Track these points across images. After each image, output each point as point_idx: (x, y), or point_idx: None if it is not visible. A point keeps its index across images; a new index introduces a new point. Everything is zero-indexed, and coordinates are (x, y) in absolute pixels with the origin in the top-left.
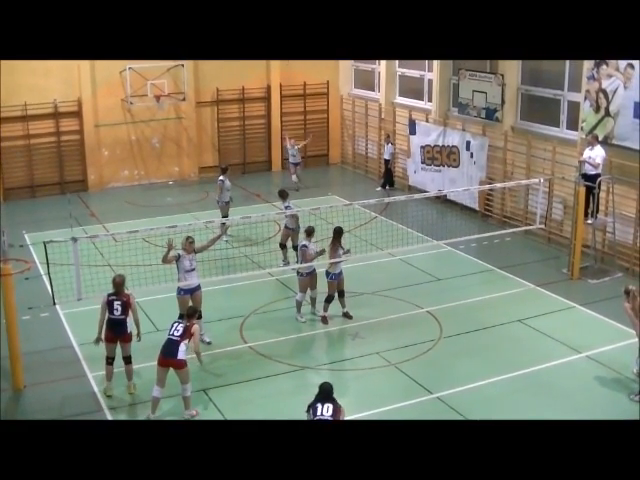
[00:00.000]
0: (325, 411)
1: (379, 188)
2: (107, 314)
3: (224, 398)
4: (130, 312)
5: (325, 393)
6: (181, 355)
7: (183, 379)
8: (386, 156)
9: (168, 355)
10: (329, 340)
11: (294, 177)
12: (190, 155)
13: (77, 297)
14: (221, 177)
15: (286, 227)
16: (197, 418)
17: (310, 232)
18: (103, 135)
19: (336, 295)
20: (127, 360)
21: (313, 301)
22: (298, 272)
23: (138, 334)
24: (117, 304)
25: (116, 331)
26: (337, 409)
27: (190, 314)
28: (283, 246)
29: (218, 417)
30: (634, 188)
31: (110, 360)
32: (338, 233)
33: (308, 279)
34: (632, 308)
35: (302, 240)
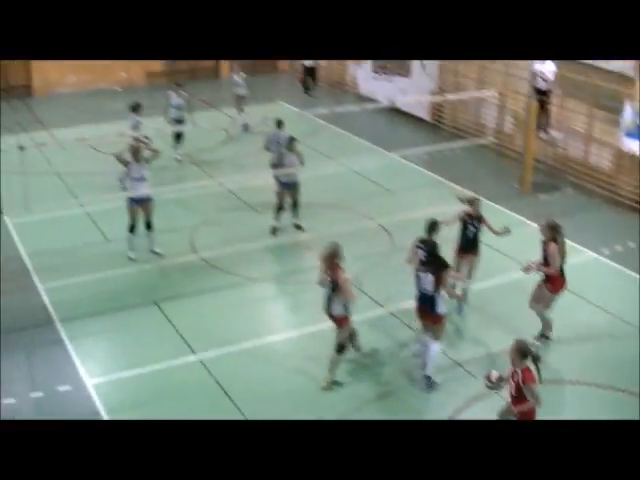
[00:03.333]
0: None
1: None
2: None
3: (176, 311)
4: None
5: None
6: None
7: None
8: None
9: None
10: (280, 252)
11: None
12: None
13: (25, 206)
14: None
15: None
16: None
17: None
18: None
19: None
20: None
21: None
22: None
23: None
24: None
25: None
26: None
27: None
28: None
29: (170, 330)
30: (586, 103)
31: None
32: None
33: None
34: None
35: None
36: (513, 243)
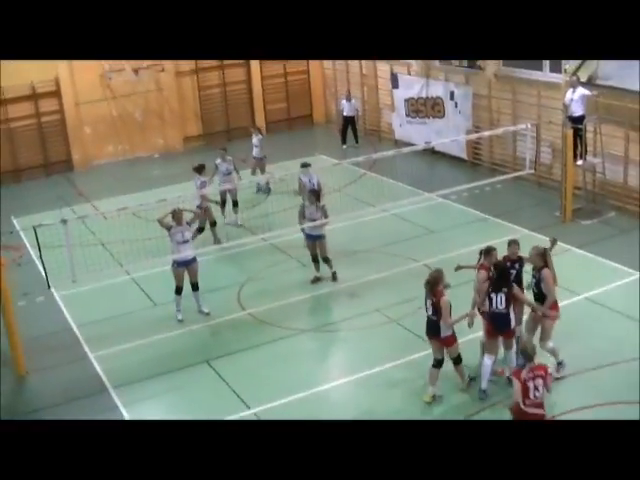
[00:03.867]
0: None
1: (344, 146)
2: None
3: (228, 368)
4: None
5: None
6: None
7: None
8: (345, 112)
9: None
10: (326, 301)
11: (260, 176)
12: (174, 126)
13: (71, 279)
14: (217, 160)
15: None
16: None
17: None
18: (84, 113)
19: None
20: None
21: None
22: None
23: None
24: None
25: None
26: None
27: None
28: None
29: (224, 387)
30: (621, 127)
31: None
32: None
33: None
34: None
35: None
36: (560, 270)
